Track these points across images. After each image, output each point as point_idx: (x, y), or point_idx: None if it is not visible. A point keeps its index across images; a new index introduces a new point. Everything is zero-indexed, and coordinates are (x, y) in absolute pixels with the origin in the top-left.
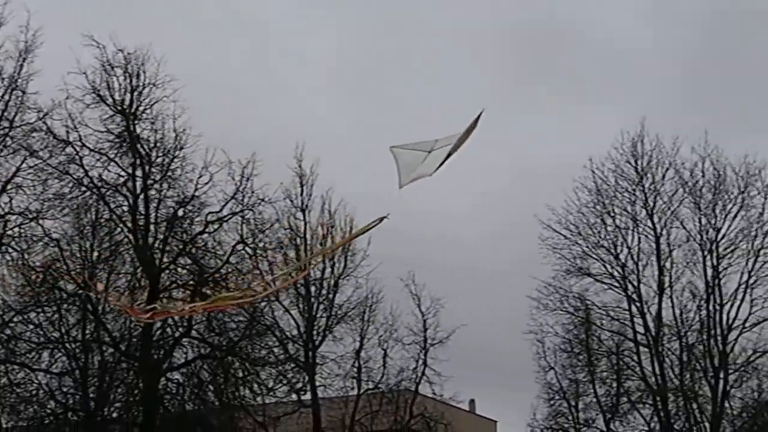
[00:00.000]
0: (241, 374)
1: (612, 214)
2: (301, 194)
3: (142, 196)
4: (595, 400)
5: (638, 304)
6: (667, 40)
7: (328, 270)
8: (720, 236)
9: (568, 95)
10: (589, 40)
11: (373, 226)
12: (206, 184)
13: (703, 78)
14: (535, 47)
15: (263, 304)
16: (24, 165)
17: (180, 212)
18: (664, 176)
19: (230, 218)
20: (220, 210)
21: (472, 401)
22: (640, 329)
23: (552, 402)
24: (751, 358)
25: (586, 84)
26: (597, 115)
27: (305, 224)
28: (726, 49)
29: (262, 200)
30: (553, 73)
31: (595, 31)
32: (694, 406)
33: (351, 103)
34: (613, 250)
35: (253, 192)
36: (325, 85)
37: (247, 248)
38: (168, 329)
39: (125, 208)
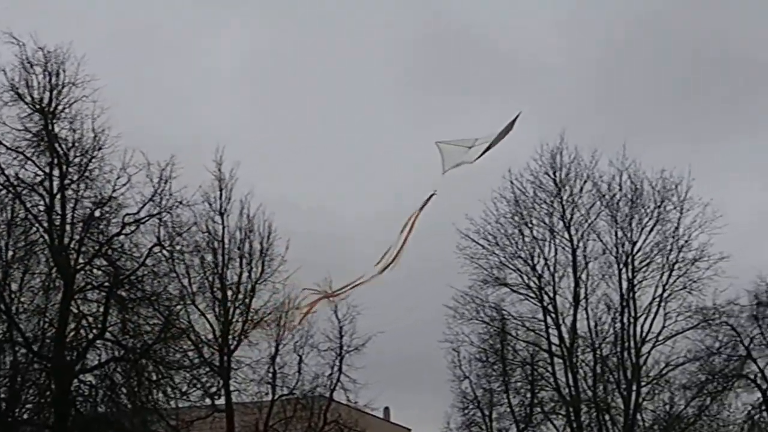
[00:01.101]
0: (154, 377)
1: (530, 225)
2: (220, 198)
3: (58, 196)
4: (508, 410)
5: (553, 316)
6: (583, 51)
7: (245, 274)
8: (636, 250)
9: (485, 104)
10: (504, 50)
11: (425, 204)
12: (124, 185)
13: (622, 90)
14: (451, 56)
15: (178, 307)
16: None
17: (97, 213)
18: (582, 188)
19: (147, 220)
20: (138, 212)
21: (386, 409)
22: (555, 340)
23: (466, 411)
24: (664, 372)
25: (504, 94)
26: (517, 126)
27: (223, 228)
28: (643, 61)
29: (180, 203)
30: (469, 82)
31: (510, 42)
32: (607, 417)
33: (268, 107)
34: (529, 261)
35: (171, 194)
36: (243, 88)
37: (164, 251)
38: (82, 330)
39: (41, 208)
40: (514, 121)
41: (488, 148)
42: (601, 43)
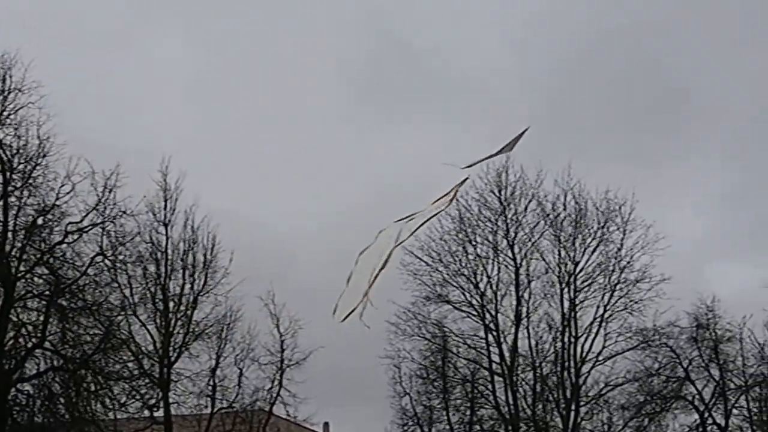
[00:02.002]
0: (93, 388)
1: (473, 243)
2: (165, 208)
3: (1, 203)
4: (448, 427)
5: (495, 334)
6: (531, 72)
7: (188, 286)
8: (578, 270)
9: (432, 123)
10: (454, 70)
11: (459, 187)
12: (68, 193)
13: (568, 112)
14: (399, 74)
15: (119, 317)
16: None
17: (39, 221)
18: (526, 208)
19: (91, 229)
20: (81, 220)
21: (326, 424)
22: (496, 358)
23: (405, 428)
24: (603, 392)
25: (453, 113)
26: (464, 142)
27: (167, 239)
28: (589, 84)
29: (124, 212)
30: (416, 101)
31: (460, 62)
32: None
33: (214, 119)
34: (472, 279)
35: (115, 204)
36: (191, 99)
37: (106, 260)
38: (21, 339)
39: None
40: (521, 135)
41: (487, 158)
42: (549, 64)
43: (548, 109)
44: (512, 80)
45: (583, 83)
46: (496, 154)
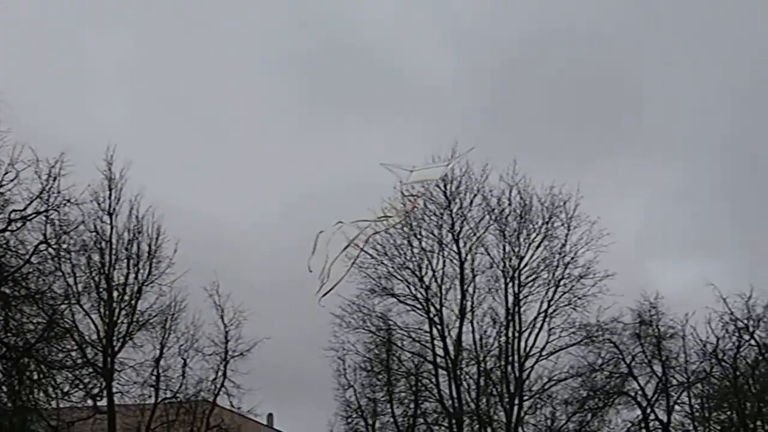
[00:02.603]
0: (36, 377)
1: (419, 237)
2: (110, 198)
3: None
4: (392, 420)
5: (439, 327)
6: (477, 69)
7: (132, 276)
8: (522, 264)
9: (377, 120)
10: (398, 68)
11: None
12: (11, 180)
13: (513, 107)
14: (344, 72)
15: (63, 306)
16: None
17: None
18: (471, 202)
19: (34, 217)
20: (25, 208)
21: (270, 415)
22: (440, 352)
23: (349, 420)
24: (546, 386)
25: (397, 110)
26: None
27: (112, 228)
28: (534, 80)
29: (69, 201)
30: (361, 97)
31: (404, 60)
32: (489, 430)
33: (161, 110)
34: (417, 272)
35: (59, 192)
36: (138, 89)
37: (50, 249)
38: None
39: None
40: (462, 154)
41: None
42: (493, 62)
43: (493, 106)
44: (456, 76)
45: (526, 80)
46: (440, 169)
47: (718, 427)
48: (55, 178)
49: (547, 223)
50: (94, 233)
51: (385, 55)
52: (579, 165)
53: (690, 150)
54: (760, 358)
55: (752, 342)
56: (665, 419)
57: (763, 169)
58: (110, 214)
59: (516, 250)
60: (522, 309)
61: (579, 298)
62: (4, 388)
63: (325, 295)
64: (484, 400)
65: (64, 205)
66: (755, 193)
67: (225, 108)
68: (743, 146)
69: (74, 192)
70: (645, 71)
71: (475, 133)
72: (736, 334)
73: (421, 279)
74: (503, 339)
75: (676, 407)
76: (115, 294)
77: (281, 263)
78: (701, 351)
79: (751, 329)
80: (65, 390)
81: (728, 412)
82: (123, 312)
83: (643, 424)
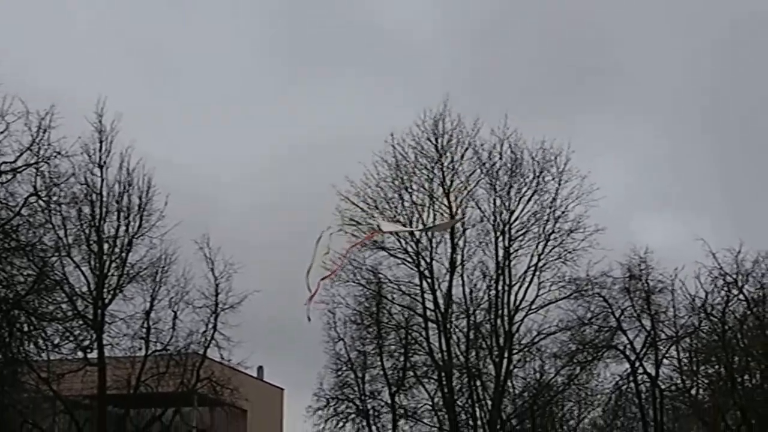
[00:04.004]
0: (26, 329)
1: (410, 190)
2: (100, 150)
3: None
4: (381, 372)
5: (429, 281)
6: (466, 22)
7: (122, 228)
8: (513, 218)
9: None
10: (388, 21)
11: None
12: (1, 132)
13: (504, 61)
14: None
15: (53, 258)
16: None
17: None
18: (462, 156)
19: (25, 169)
20: (15, 160)
21: (260, 368)
22: (430, 305)
23: (339, 373)
24: (535, 340)
25: (387, 64)
26: (401, 94)
27: (102, 181)
28: (524, 34)
29: (59, 153)
30: (348, 52)
31: (393, 13)
32: (478, 383)
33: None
34: (408, 226)
35: (49, 144)
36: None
37: (40, 201)
38: None
39: None
40: (451, 222)
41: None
42: (483, 15)
43: (483, 60)
44: (441, 32)
45: (518, 36)
46: (424, 229)
47: (706, 381)
48: (45, 131)
49: (538, 177)
50: (84, 186)
51: (373, 7)
52: (569, 121)
53: (678, 106)
54: (749, 312)
55: (741, 297)
56: (653, 373)
57: (750, 125)
58: (101, 167)
59: (506, 204)
60: (512, 263)
61: (569, 252)
62: None
63: (310, 303)
64: (474, 354)
65: (55, 157)
66: (743, 150)
67: (214, 62)
68: (730, 103)
69: (65, 144)
70: (633, 30)
71: (468, 84)
72: (725, 288)
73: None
74: (493, 293)
75: (665, 361)
76: (106, 246)
77: (271, 216)
78: (690, 305)
79: (740, 284)
80: (55, 342)
81: (716, 366)
82: (113, 264)
83: (631, 378)
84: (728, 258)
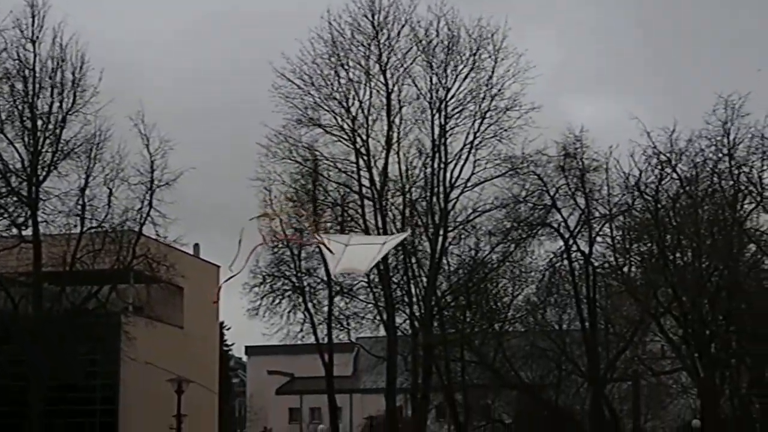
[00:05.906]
0: None
1: (346, 67)
2: (32, 25)
3: None
4: (317, 249)
5: (366, 158)
6: None
7: (56, 104)
8: (449, 96)
9: None
10: None
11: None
12: None
13: None
14: None
15: None
16: None
17: None
18: (399, 33)
19: None
20: None
21: (196, 245)
22: (366, 182)
23: (275, 249)
24: (471, 217)
25: None
26: None
27: (35, 56)
28: None
29: None
30: None
31: None
32: (413, 260)
33: None
34: (344, 103)
35: None
36: None
37: None
38: None
39: None
40: (398, 238)
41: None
42: None
43: None
44: None
45: None
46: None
47: (639, 259)
48: None
49: (475, 54)
50: (17, 61)
51: None
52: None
53: None
54: (681, 191)
55: (674, 175)
56: (587, 250)
57: (682, 3)
58: (33, 42)
59: (443, 81)
60: (448, 140)
61: (505, 130)
62: None
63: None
64: (409, 231)
65: None
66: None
67: None
68: None
69: None
70: None
71: None
72: (659, 167)
73: (347, 110)
74: (429, 170)
75: (598, 239)
76: (39, 123)
77: (206, 85)
78: (624, 183)
79: (673, 162)
80: None
81: (649, 244)
82: (47, 141)
83: (565, 255)
84: (662, 137)
